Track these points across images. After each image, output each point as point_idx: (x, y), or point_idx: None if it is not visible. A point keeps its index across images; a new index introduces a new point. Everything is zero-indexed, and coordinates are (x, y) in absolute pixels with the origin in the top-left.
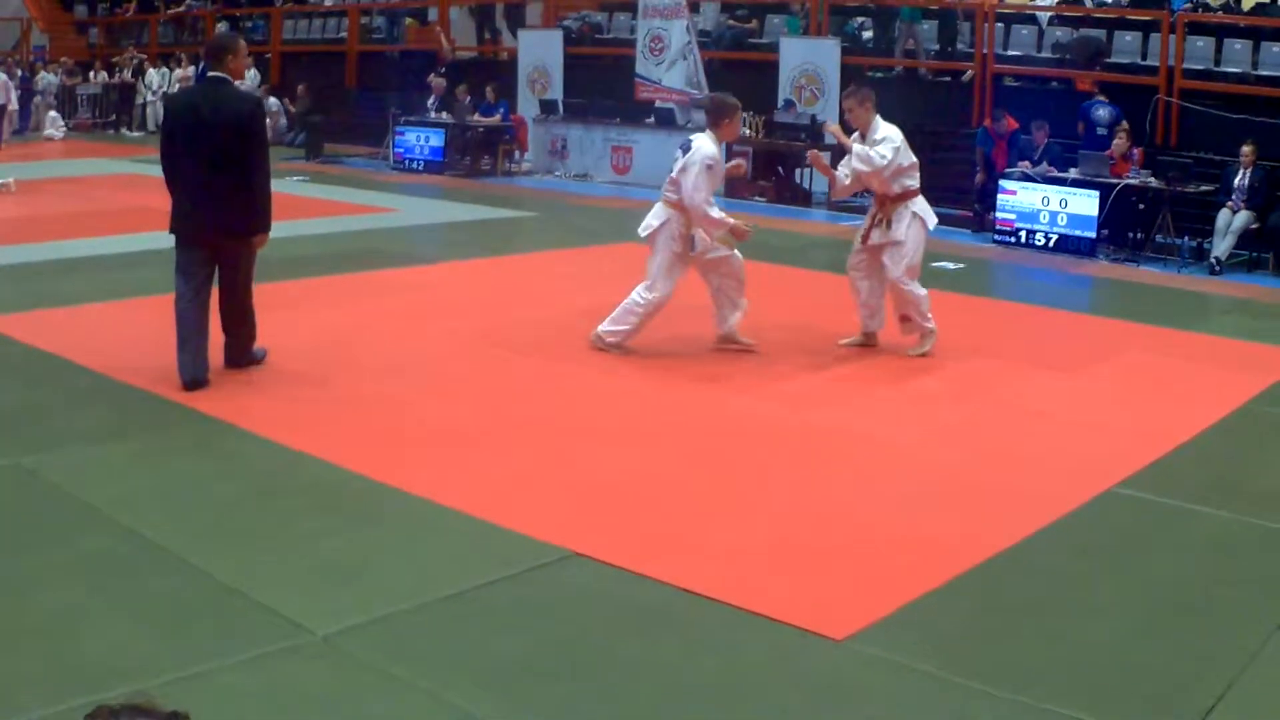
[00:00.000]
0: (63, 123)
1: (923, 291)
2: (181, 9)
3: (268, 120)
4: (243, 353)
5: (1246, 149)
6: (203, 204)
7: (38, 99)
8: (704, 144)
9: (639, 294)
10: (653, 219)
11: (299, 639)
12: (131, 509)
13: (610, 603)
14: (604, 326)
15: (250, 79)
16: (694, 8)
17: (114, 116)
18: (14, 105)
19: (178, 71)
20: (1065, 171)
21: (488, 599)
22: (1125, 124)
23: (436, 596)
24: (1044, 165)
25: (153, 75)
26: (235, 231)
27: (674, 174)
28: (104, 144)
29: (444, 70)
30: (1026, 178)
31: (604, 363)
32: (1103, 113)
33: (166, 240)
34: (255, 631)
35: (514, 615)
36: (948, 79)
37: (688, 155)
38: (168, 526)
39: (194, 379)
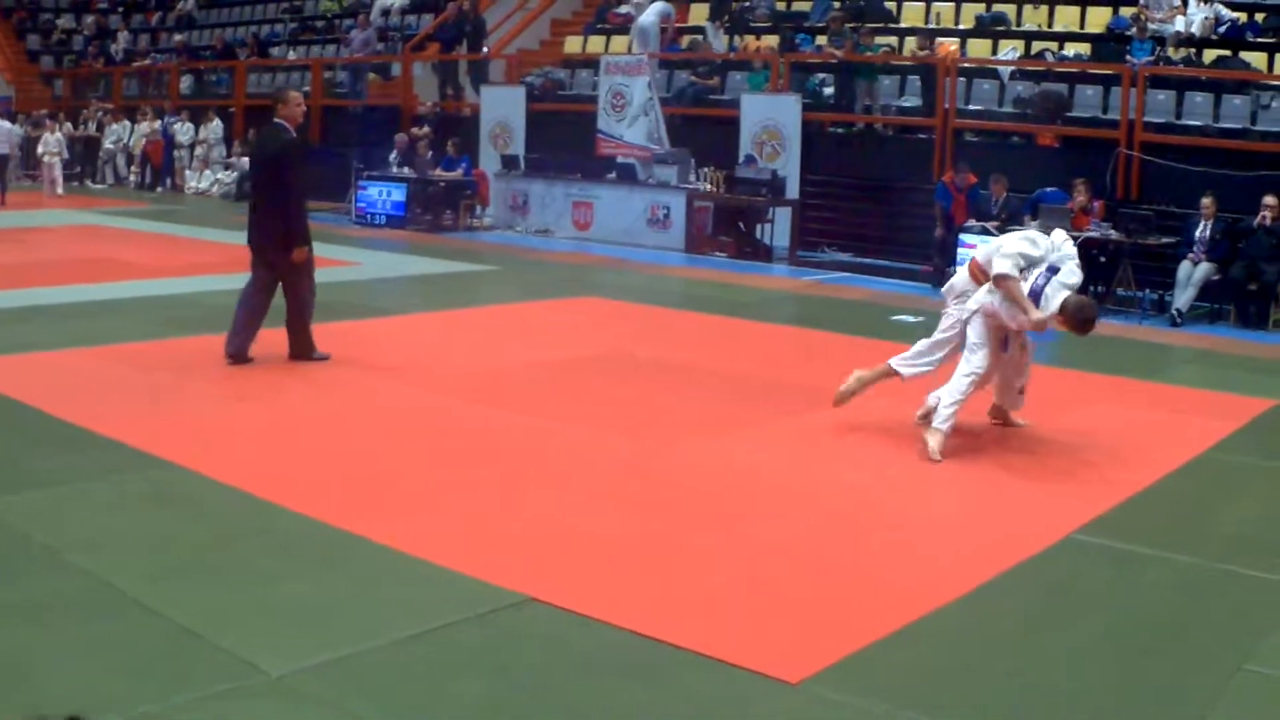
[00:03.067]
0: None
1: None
2: (146, 62)
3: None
4: (300, 350)
5: (1207, 201)
6: (252, 219)
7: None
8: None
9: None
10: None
11: (253, 679)
12: (89, 552)
13: (567, 647)
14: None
15: (215, 130)
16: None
17: (78, 169)
18: (16, 153)
19: (142, 125)
20: (1024, 225)
21: (445, 642)
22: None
23: (393, 639)
24: (1001, 219)
25: (115, 128)
26: (268, 243)
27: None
28: (69, 196)
29: (422, 122)
30: (985, 231)
31: (560, 412)
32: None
33: (130, 290)
34: (210, 671)
35: (471, 659)
36: (916, 135)
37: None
38: (125, 569)
39: (233, 354)
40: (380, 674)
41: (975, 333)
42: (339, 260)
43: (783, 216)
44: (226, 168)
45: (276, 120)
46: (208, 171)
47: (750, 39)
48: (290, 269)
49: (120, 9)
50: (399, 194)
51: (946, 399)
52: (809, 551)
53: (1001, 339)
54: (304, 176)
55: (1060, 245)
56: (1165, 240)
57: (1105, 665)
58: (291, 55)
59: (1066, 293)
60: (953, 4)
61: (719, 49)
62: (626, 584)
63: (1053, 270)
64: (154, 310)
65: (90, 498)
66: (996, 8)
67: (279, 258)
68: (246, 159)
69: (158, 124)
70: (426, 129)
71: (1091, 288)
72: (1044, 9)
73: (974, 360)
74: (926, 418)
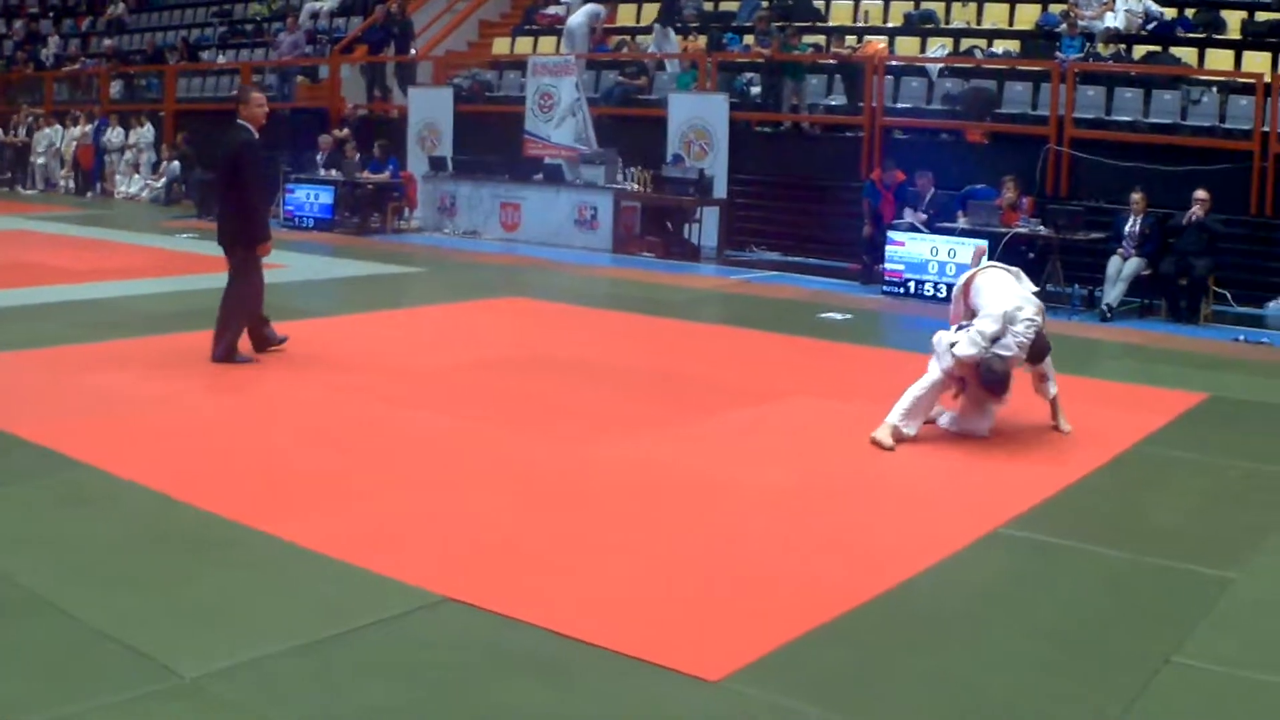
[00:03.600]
0: None
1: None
2: (76, 67)
3: None
4: (216, 343)
5: (1137, 196)
6: (218, 217)
7: None
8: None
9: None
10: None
11: (168, 682)
12: (1, 554)
13: (483, 647)
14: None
15: (146, 134)
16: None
17: (9, 175)
18: None
19: (73, 130)
20: (954, 220)
21: (360, 643)
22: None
23: (308, 640)
24: (928, 214)
25: (47, 133)
26: (229, 240)
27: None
28: None
29: (343, 124)
30: (914, 228)
31: (481, 413)
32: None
33: (56, 295)
34: (124, 674)
35: (386, 659)
36: (844, 133)
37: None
38: (37, 572)
39: (219, 357)
40: (293, 676)
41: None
42: (266, 263)
43: (711, 216)
44: (156, 172)
45: (238, 120)
46: (137, 176)
47: (678, 38)
48: (241, 264)
49: (50, 14)
50: (326, 196)
51: (903, 400)
52: (730, 550)
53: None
54: (263, 174)
55: (1020, 320)
56: (1095, 236)
57: (1029, 661)
58: (221, 59)
59: (974, 350)
60: (881, 2)
61: (669, 49)
62: (544, 583)
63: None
64: (79, 314)
65: (4, 500)
66: (925, 5)
67: (238, 254)
68: (177, 163)
69: (88, 128)
70: (346, 130)
71: None
72: (973, 6)
73: (932, 374)
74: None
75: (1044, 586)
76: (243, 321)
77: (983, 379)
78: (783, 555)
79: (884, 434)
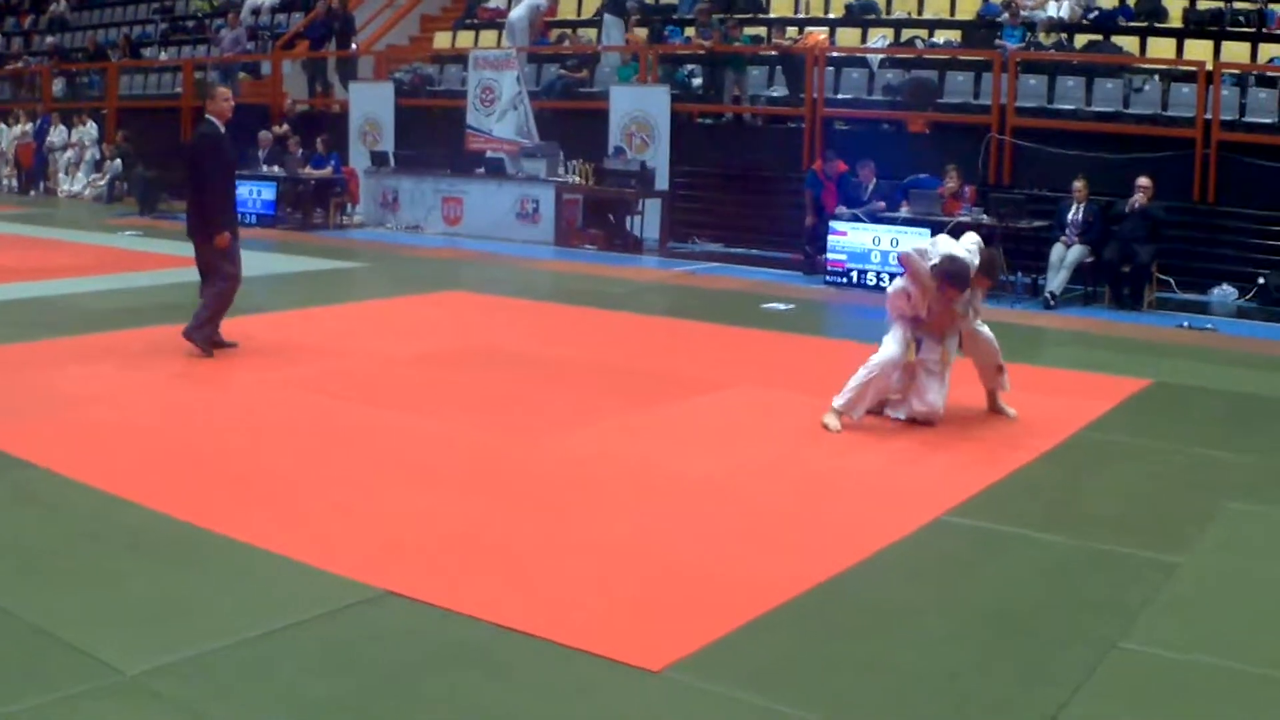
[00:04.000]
0: None
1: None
2: (18, 65)
3: None
4: (194, 332)
5: (1079, 184)
6: (186, 209)
7: None
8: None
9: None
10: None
11: (108, 679)
12: None
13: (425, 640)
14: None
15: (89, 132)
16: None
17: None
18: None
19: (15, 129)
20: (896, 210)
21: (301, 637)
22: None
23: (249, 635)
24: (872, 204)
25: None
26: (192, 230)
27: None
28: None
29: (286, 122)
30: (856, 218)
31: (423, 406)
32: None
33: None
34: (63, 672)
35: (328, 653)
36: (785, 124)
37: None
38: None
39: (186, 332)
40: (235, 672)
41: (893, 334)
42: None
43: (653, 208)
44: (99, 170)
45: (206, 115)
46: (80, 174)
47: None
48: (210, 255)
49: None
50: (269, 193)
51: (851, 381)
52: (673, 540)
53: (917, 339)
54: (220, 168)
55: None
56: (1037, 224)
57: (973, 648)
58: (163, 56)
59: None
60: None
61: (617, 40)
62: (486, 576)
63: None
64: (23, 313)
65: None
66: None
67: (201, 245)
68: (119, 161)
69: (29, 127)
70: (287, 127)
71: None
72: None
73: (882, 354)
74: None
75: (988, 573)
76: (220, 312)
77: (945, 271)
78: (726, 545)
79: (831, 419)
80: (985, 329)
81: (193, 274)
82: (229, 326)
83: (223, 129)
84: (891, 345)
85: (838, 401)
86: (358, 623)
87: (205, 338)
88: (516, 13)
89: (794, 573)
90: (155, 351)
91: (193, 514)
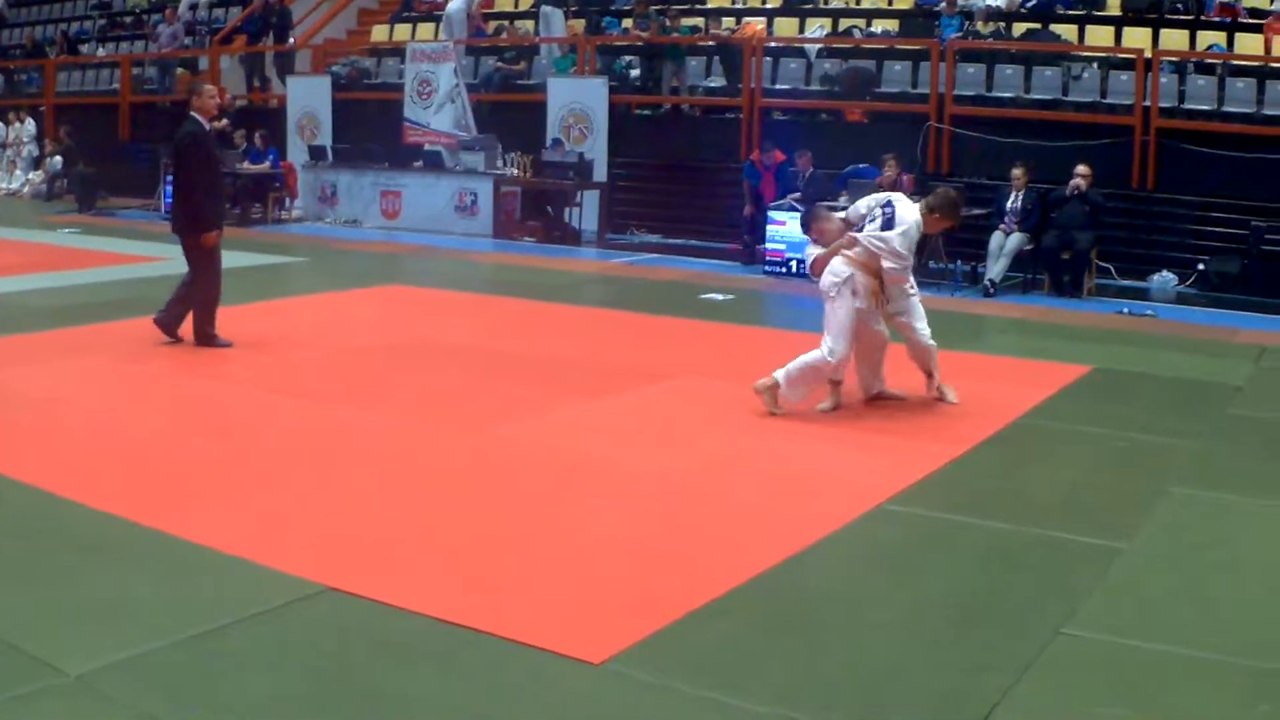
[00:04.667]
0: None
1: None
2: None
3: None
4: (197, 330)
5: (1017, 172)
6: (171, 206)
7: None
8: (910, 211)
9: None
10: (832, 275)
11: (51, 679)
12: None
13: (367, 636)
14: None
15: (27, 129)
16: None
17: None
18: None
19: None
20: (835, 199)
21: (244, 635)
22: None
23: (192, 633)
24: (808, 194)
25: None
26: (178, 228)
27: (865, 228)
28: None
29: (224, 117)
30: (793, 208)
31: (363, 401)
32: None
33: None
34: (7, 673)
35: (269, 651)
36: (723, 115)
37: (893, 214)
38: None
39: (156, 320)
40: (179, 671)
41: (836, 318)
42: (147, 256)
43: (591, 200)
44: (38, 167)
45: (190, 113)
46: (19, 171)
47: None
48: (197, 253)
49: None
50: None
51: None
52: (614, 532)
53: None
54: (204, 165)
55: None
56: (976, 211)
57: (916, 636)
58: (101, 52)
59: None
60: None
61: (557, 31)
62: (426, 571)
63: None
64: None
65: None
66: None
67: (188, 242)
68: (59, 158)
69: None
70: (225, 122)
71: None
72: None
73: (828, 343)
74: (879, 396)
75: (930, 560)
76: (209, 309)
77: (934, 205)
78: (667, 536)
79: (764, 383)
80: (919, 320)
81: (132, 270)
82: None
83: (207, 126)
84: (840, 343)
85: (779, 374)
86: (301, 619)
87: (204, 335)
88: (454, 5)
89: (735, 562)
90: (94, 349)
91: (134, 512)
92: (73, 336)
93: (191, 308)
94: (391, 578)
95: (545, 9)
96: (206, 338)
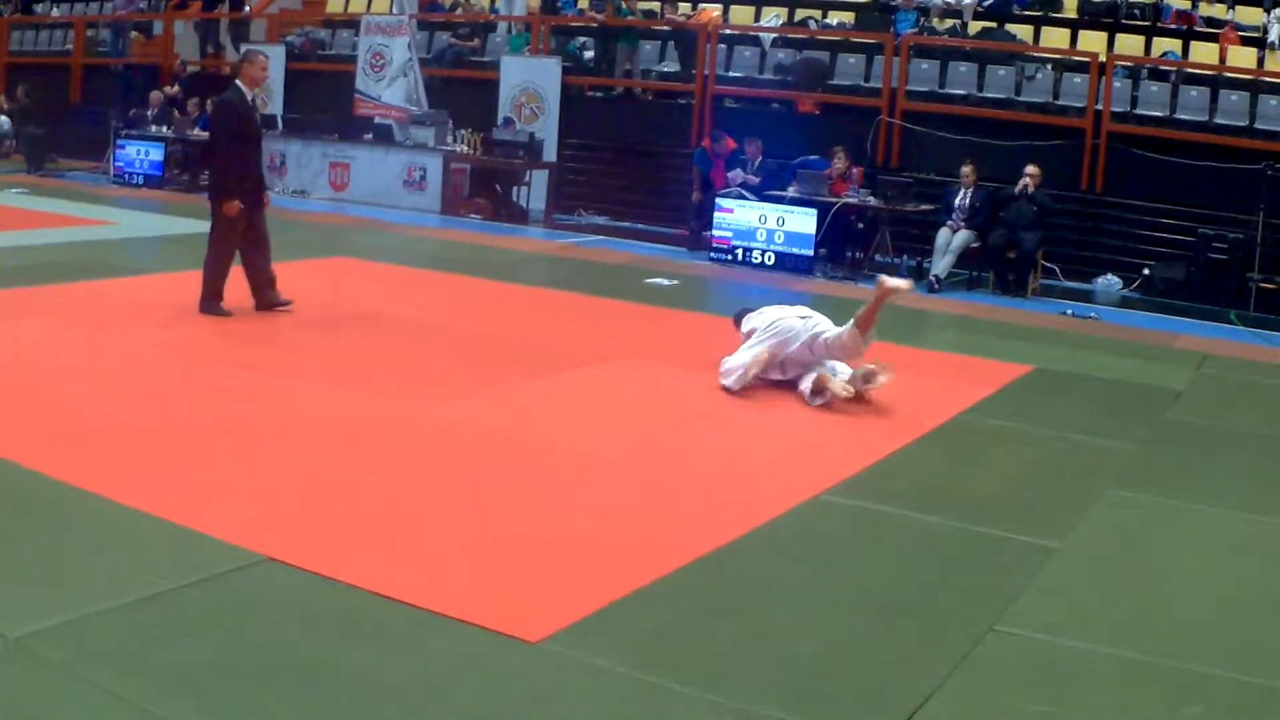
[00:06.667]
0: None
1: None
2: None
3: None
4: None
5: (967, 169)
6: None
7: None
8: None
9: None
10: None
11: None
12: None
13: (302, 607)
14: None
15: None
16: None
17: None
18: None
19: None
20: (784, 189)
21: (179, 602)
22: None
23: (128, 599)
24: (758, 176)
25: None
26: (209, 195)
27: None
28: None
29: (176, 83)
30: (742, 195)
31: (306, 371)
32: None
33: None
34: None
35: (205, 619)
36: (676, 100)
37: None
38: None
39: (258, 309)
40: (114, 636)
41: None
42: (95, 220)
43: (540, 179)
44: None
45: (235, 81)
46: None
47: None
48: (218, 221)
49: None
50: (157, 153)
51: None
52: (553, 512)
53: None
54: (231, 135)
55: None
56: (924, 207)
57: (849, 628)
58: (55, 13)
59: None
60: None
61: (519, 10)
62: (365, 544)
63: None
64: None
65: None
66: None
67: (213, 206)
68: (5, 118)
69: None
70: (177, 87)
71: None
72: None
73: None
74: (867, 379)
75: (866, 553)
76: (217, 274)
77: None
78: (605, 518)
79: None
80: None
81: (74, 235)
82: (101, 289)
83: (249, 96)
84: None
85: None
86: (237, 588)
87: (207, 300)
88: None
89: (672, 547)
90: (37, 312)
91: (71, 474)
92: (13, 297)
93: (263, 271)
94: (328, 549)
95: None
96: (210, 305)
